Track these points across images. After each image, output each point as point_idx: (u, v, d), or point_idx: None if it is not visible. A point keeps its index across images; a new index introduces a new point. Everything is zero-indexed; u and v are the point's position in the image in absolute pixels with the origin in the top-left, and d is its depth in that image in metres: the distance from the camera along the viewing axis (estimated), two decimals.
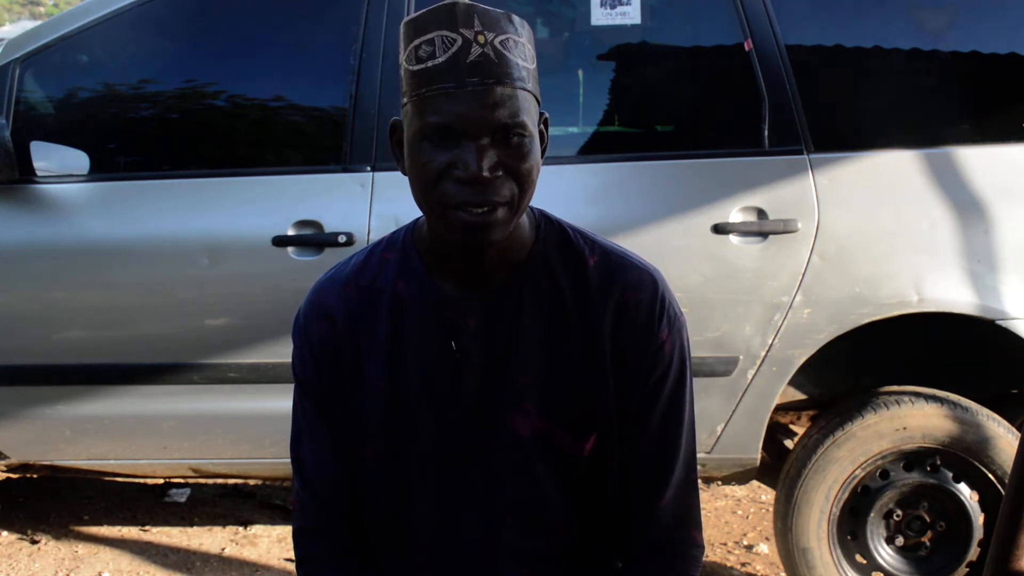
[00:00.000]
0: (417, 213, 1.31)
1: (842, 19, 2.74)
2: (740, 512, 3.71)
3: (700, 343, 2.53)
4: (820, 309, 2.55)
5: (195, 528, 3.49)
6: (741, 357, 2.58)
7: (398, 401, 1.32)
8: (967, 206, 2.55)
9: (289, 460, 1.42)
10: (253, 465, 2.86)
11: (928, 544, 2.69)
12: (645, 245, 2.46)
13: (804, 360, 2.58)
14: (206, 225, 2.68)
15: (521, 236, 1.30)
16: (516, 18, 1.20)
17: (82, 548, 3.30)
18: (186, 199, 2.72)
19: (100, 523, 3.51)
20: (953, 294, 2.53)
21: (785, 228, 2.54)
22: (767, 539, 3.42)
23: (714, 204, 2.57)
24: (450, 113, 1.16)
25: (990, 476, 2.60)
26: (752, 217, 2.56)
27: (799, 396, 2.89)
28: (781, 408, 2.91)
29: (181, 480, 3.70)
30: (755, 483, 3.47)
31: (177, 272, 2.67)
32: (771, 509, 3.16)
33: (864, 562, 2.71)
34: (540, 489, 1.33)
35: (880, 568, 2.69)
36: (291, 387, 1.41)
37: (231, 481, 3.74)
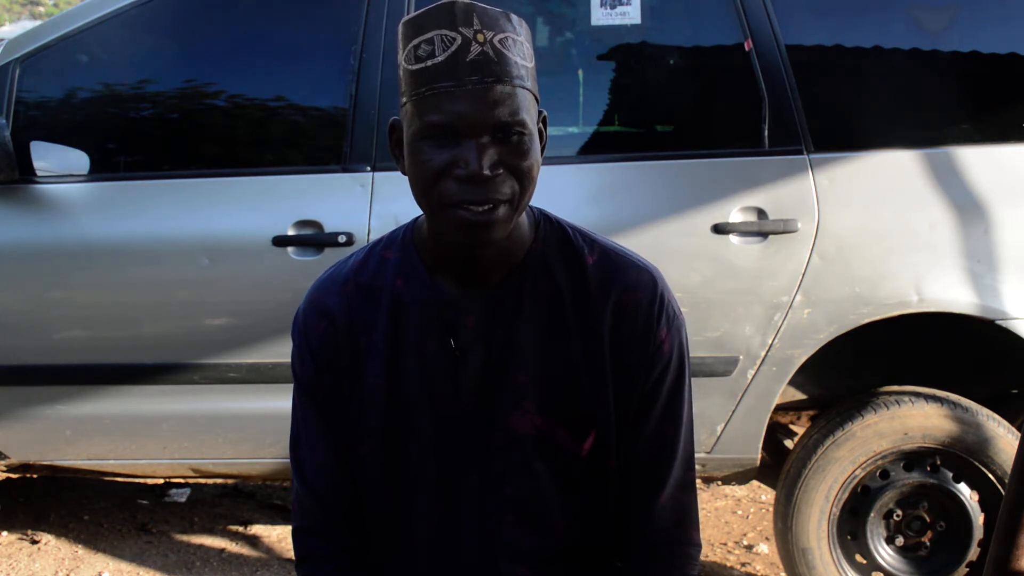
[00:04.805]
0: (417, 212, 1.31)
1: (842, 19, 2.74)
2: (740, 512, 3.71)
3: (700, 343, 2.53)
4: (820, 309, 2.54)
5: (195, 528, 3.49)
6: (741, 357, 2.58)
7: (398, 400, 1.32)
8: (967, 206, 2.55)
9: (289, 460, 1.42)
10: (253, 465, 2.86)
11: (928, 544, 2.69)
12: (645, 245, 2.45)
13: (804, 360, 2.58)
14: (206, 225, 2.68)
15: (520, 235, 1.30)
16: (514, 17, 1.20)
17: (82, 548, 3.30)
18: (186, 199, 2.72)
19: (100, 523, 3.51)
20: (953, 294, 2.53)
21: (785, 228, 2.54)
22: (767, 539, 3.42)
23: (714, 204, 2.57)
24: (450, 112, 1.16)
25: (990, 476, 2.60)
26: (752, 217, 2.56)
27: (799, 396, 2.89)
28: (781, 408, 2.91)
29: (181, 480, 3.70)
30: (755, 483, 3.47)
31: (177, 272, 2.67)
32: (771, 509, 3.16)
33: (864, 562, 2.71)
34: (539, 488, 1.33)
35: (880, 568, 2.69)
36: (291, 387, 1.41)
37: (231, 481, 3.73)
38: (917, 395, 2.65)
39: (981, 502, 2.64)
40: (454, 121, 1.16)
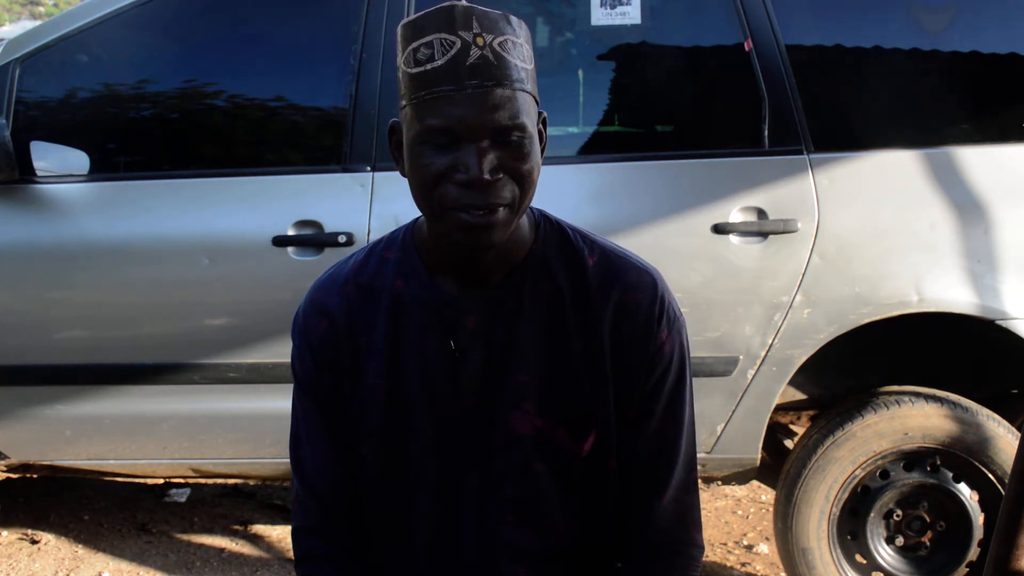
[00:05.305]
0: (417, 213, 1.31)
1: (842, 19, 2.74)
2: (740, 512, 3.71)
3: (700, 343, 2.53)
4: (820, 309, 2.54)
5: (195, 528, 3.49)
6: (741, 357, 2.58)
7: (398, 400, 1.32)
8: (967, 206, 2.54)
9: (289, 460, 1.42)
10: (253, 465, 2.86)
11: (928, 544, 2.69)
12: (645, 245, 2.45)
13: (804, 360, 2.58)
14: (206, 225, 2.68)
15: (520, 236, 1.30)
16: (514, 19, 1.20)
17: (82, 548, 3.30)
18: (186, 199, 2.72)
19: (100, 523, 3.51)
20: (953, 294, 2.53)
21: (785, 228, 2.54)
22: (767, 539, 3.42)
23: (714, 204, 2.57)
24: (450, 116, 1.16)
25: (990, 476, 2.60)
26: (752, 217, 2.56)
27: (799, 396, 2.89)
28: (781, 408, 2.91)
29: (181, 480, 3.70)
30: (755, 483, 3.47)
31: (177, 272, 2.66)
32: (771, 509, 3.16)
33: (864, 562, 2.71)
34: (540, 488, 1.33)
35: (880, 568, 2.69)
36: (291, 387, 1.41)
37: (231, 481, 3.74)
38: (917, 395, 2.65)
39: (981, 502, 2.64)
40: (454, 125, 1.16)
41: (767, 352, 2.57)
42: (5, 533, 3.40)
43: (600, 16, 2.71)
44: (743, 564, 3.29)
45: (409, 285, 1.32)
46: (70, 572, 3.13)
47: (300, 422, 1.39)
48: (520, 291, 1.30)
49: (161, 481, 3.72)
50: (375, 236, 2.53)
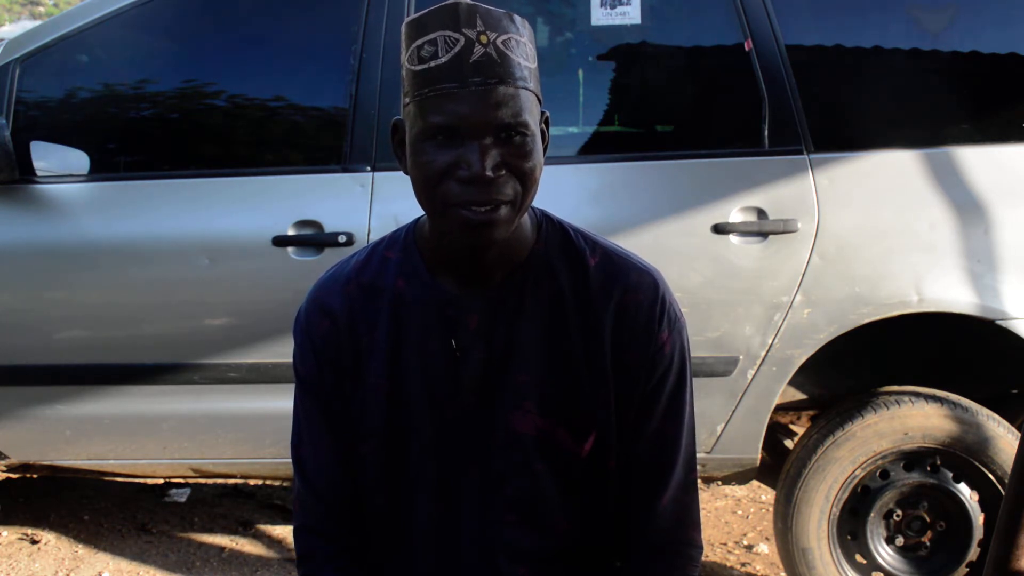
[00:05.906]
0: (417, 213, 1.31)
1: (842, 19, 2.75)
2: (740, 512, 3.71)
3: (700, 343, 2.53)
4: (820, 309, 2.55)
5: (195, 528, 3.49)
6: (741, 357, 2.58)
7: (399, 400, 1.32)
8: (967, 206, 2.55)
9: (290, 460, 1.42)
10: (253, 465, 2.86)
11: (928, 544, 2.69)
12: (645, 245, 2.45)
13: (804, 360, 2.58)
14: (206, 225, 2.68)
15: (522, 235, 1.30)
16: (517, 18, 1.20)
17: (82, 548, 3.30)
18: (186, 199, 2.72)
19: (100, 523, 3.51)
20: (953, 294, 2.53)
21: (785, 228, 2.54)
22: (767, 539, 3.42)
23: (714, 204, 2.57)
24: (453, 113, 1.16)
25: (990, 476, 2.60)
26: (752, 217, 2.56)
27: (799, 396, 2.89)
28: (781, 408, 2.91)
29: (181, 480, 3.70)
30: (755, 483, 3.47)
31: (177, 272, 2.67)
32: (771, 509, 3.16)
33: (864, 562, 2.71)
34: (540, 488, 1.33)
35: (880, 568, 2.69)
36: (291, 387, 1.41)
37: (231, 481, 3.73)
38: (917, 395, 2.65)
39: (981, 502, 2.64)
40: (457, 122, 1.16)
41: (767, 352, 2.57)
42: (5, 533, 3.40)
43: (600, 16, 2.72)
44: (743, 564, 3.29)
45: (411, 285, 1.32)
46: (70, 572, 3.13)
47: (302, 421, 1.39)
48: (521, 291, 1.30)
49: (161, 481, 3.72)
50: (375, 236, 2.53)
